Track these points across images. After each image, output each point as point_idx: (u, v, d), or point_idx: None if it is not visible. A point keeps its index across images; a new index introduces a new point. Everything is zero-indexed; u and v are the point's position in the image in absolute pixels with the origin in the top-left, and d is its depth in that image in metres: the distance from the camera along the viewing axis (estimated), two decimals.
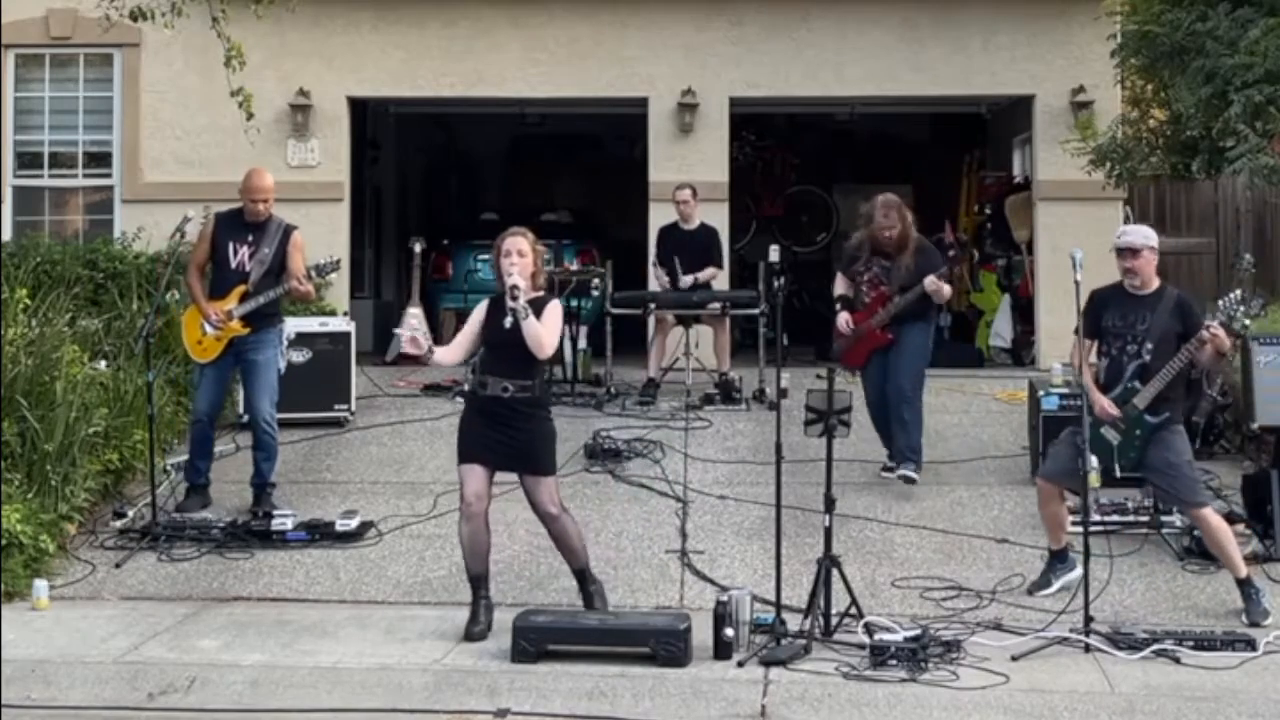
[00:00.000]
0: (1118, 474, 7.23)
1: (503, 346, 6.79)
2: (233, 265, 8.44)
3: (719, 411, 10.34)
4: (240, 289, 8.40)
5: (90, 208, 12.59)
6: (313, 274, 8.75)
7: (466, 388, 7.13)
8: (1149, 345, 7.06)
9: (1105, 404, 7.10)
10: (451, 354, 7.01)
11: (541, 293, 6.93)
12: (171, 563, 7.87)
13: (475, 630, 6.74)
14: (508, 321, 6.73)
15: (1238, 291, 7.13)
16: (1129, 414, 7.06)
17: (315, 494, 8.89)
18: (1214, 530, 7.07)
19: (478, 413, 6.88)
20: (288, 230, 8.54)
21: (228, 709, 6.07)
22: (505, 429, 6.76)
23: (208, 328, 8.38)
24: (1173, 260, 12.79)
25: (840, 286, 9.02)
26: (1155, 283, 7.20)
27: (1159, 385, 7.01)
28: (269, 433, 8.51)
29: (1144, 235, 7.24)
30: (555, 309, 6.88)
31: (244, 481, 8.70)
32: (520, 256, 6.79)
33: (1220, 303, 7.06)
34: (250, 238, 8.45)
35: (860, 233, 8.99)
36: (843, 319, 8.84)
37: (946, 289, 8.77)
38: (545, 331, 6.72)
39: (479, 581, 6.87)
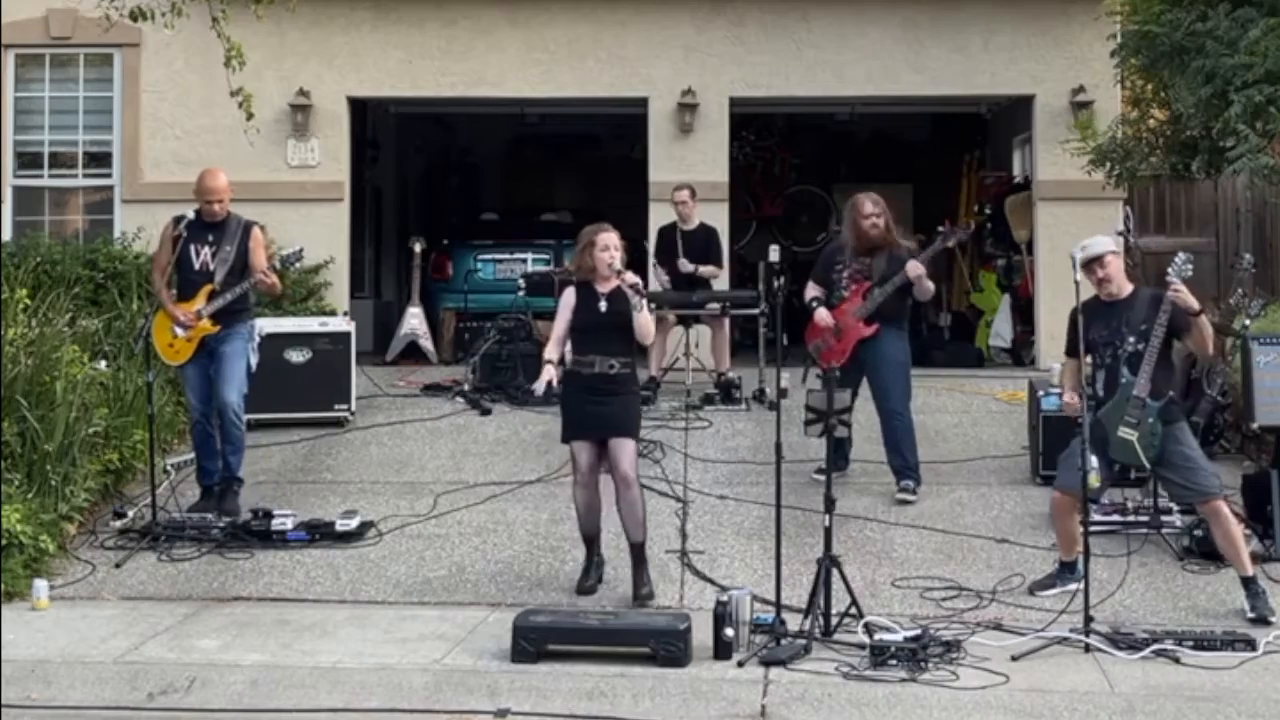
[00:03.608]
0: (1148, 468, 7.29)
1: (598, 329, 7.34)
2: (196, 267, 8.44)
3: (719, 411, 10.34)
4: (207, 288, 8.39)
5: (90, 208, 12.59)
6: (277, 266, 8.73)
7: (566, 368, 7.51)
8: (1131, 338, 7.08)
9: (1067, 397, 7.27)
10: (559, 348, 7.49)
11: (618, 282, 7.37)
12: (171, 563, 7.86)
13: (587, 585, 7.40)
14: (602, 306, 7.33)
15: (1182, 255, 7.15)
16: (1134, 406, 7.04)
17: (315, 494, 8.89)
18: (1227, 524, 7.04)
19: (581, 390, 7.34)
20: (248, 227, 8.54)
21: (228, 709, 6.07)
22: (605, 400, 7.28)
23: (178, 330, 8.38)
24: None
25: (812, 290, 8.85)
26: (1128, 286, 7.25)
27: (1148, 368, 7.01)
28: (236, 424, 8.45)
29: (1102, 243, 7.31)
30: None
31: (243, 481, 8.70)
32: (616, 251, 7.36)
33: (1169, 268, 7.05)
34: (211, 237, 8.45)
35: (842, 236, 8.82)
36: (823, 313, 8.65)
37: (929, 283, 8.61)
38: (652, 321, 7.42)
39: (592, 541, 7.49)
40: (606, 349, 7.29)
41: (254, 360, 8.62)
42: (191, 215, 8.51)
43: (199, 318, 8.36)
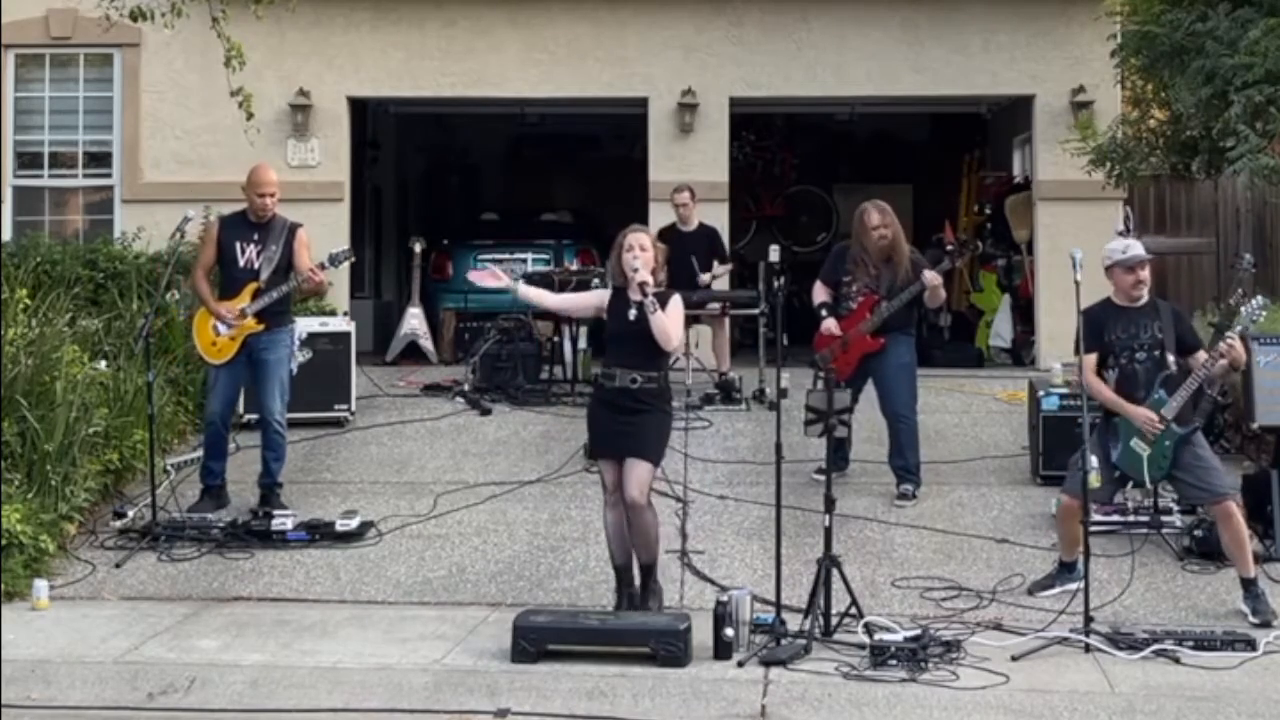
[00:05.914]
0: (1148, 484, 7.31)
1: (627, 338, 6.91)
2: (241, 264, 8.45)
3: (719, 411, 10.34)
4: (253, 286, 8.41)
5: (90, 208, 12.60)
6: (325, 264, 8.69)
7: (595, 377, 7.22)
8: (1170, 357, 7.08)
9: (1145, 414, 7.03)
10: (561, 302, 7.35)
11: (662, 288, 6.99)
12: (171, 563, 7.87)
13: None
14: (632, 314, 6.88)
15: (1260, 299, 7.10)
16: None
17: (315, 494, 8.89)
18: (1237, 525, 7.02)
19: (604, 404, 6.99)
20: (293, 228, 8.56)
21: (228, 709, 6.07)
22: (627, 416, 6.86)
23: (221, 328, 8.39)
24: (1173, 260, 12.82)
25: (821, 294, 8.79)
26: (1148, 294, 7.27)
27: (1184, 396, 7.01)
28: (280, 432, 8.52)
29: (1139, 246, 7.30)
30: (678, 303, 7.00)
31: (245, 481, 8.70)
32: (643, 251, 6.92)
33: (1242, 309, 7.03)
34: (256, 236, 8.46)
35: (850, 241, 8.79)
36: (830, 323, 8.61)
37: (943, 291, 8.61)
38: (671, 324, 6.86)
39: (622, 570, 7.01)
40: (632, 362, 6.86)
41: (294, 365, 8.66)
42: (206, 217, 8.52)
43: (244, 315, 8.36)
